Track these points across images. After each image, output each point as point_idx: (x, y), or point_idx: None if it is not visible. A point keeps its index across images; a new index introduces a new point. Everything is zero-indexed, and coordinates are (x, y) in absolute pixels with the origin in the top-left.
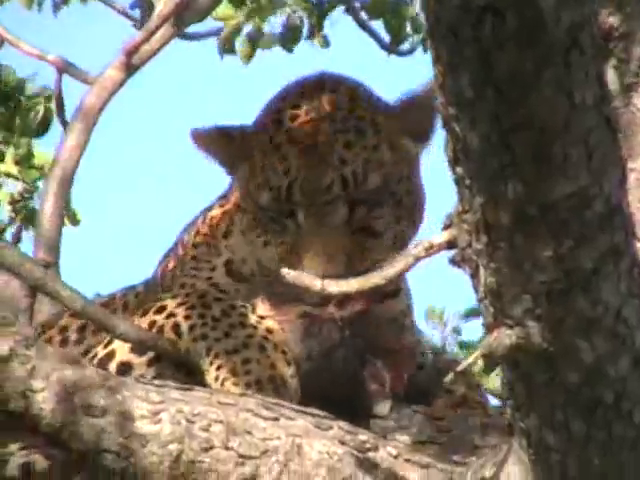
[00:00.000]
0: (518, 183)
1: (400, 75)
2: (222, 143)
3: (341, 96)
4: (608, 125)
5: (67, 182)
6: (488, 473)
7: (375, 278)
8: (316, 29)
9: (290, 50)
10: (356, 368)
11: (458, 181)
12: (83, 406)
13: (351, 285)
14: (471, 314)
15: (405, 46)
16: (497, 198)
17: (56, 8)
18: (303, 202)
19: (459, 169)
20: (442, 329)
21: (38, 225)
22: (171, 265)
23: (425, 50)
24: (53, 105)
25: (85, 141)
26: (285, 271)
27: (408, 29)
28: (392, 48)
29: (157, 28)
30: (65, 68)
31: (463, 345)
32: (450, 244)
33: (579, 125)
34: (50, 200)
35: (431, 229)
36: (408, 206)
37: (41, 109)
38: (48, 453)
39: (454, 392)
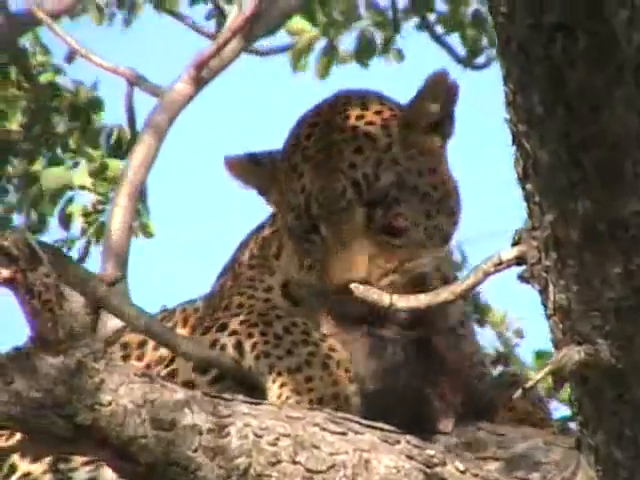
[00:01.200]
0: (588, 200)
1: (476, 89)
2: (253, 170)
3: (352, 107)
4: None
5: (136, 194)
6: None
7: (444, 294)
8: (389, 43)
9: (365, 65)
10: (420, 387)
11: (528, 198)
12: (151, 419)
13: (420, 301)
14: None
15: (481, 59)
16: (567, 215)
17: (126, 23)
18: (322, 214)
19: (529, 186)
20: (504, 332)
21: (106, 238)
22: (229, 283)
23: None
24: (124, 121)
25: (154, 154)
26: (354, 286)
27: (484, 42)
28: (468, 61)
29: (227, 42)
30: (136, 81)
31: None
32: (519, 260)
33: None
34: (119, 213)
35: (501, 245)
36: (436, 199)
37: (115, 131)
38: (117, 466)
39: (517, 408)
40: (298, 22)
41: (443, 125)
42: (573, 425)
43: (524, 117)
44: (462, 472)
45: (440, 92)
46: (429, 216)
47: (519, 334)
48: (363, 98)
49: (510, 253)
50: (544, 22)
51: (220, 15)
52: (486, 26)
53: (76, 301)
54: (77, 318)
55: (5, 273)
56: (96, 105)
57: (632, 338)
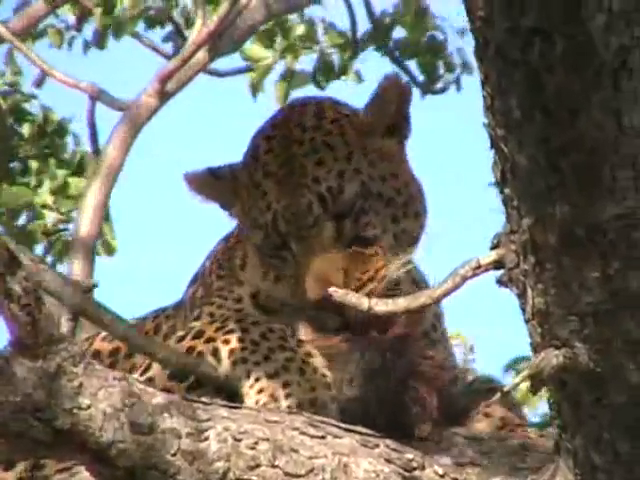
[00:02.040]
0: (566, 204)
1: (435, 113)
2: (214, 185)
3: (308, 116)
4: None
5: (101, 209)
6: None
7: (422, 298)
8: (348, 66)
9: (322, 88)
10: (398, 392)
11: (506, 202)
12: (130, 423)
13: (399, 305)
14: (515, 364)
15: (439, 85)
16: (545, 219)
17: (86, 48)
18: (290, 231)
19: (507, 190)
20: (462, 349)
21: (72, 251)
22: (199, 293)
23: (458, 89)
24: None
25: (119, 167)
26: (332, 290)
27: (441, 70)
28: (426, 87)
29: (191, 55)
30: (98, 95)
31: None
32: (497, 264)
33: (627, 148)
34: (85, 227)
35: (479, 249)
36: (401, 203)
37: (78, 153)
38: (95, 470)
39: (493, 414)
40: (254, 49)
41: (399, 127)
42: (549, 430)
43: (502, 121)
44: (441, 476)
45: (393, 95)
46: (396, 221)
47: (471, 350)
48: (318, 106)
49: (488, 257)
50: (521, 26)
51: (178, 36)
52: (442, 53)
53: (54, 306)
54: (55, 323)
55: None
56: (63, 131)
57: (610, 342)
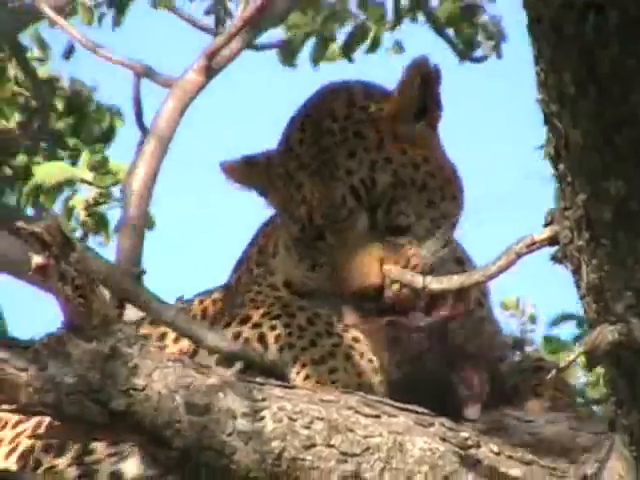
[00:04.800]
0: (620, 179)
1: (475, 81)
2: (250, 172)
3: (338, 105)
4: None
5: (149, 185)
6: (590, 470)
7: (476, 275)
8: (380, 38)
9: (350, 59)
10: (445, 374)
11: (560, 178)
12: (185, 404)
13: (453, 282)
14: (561, 320)
15: (478, 53)
16: (599, 194)
17: (116, 23)
18: (325, 223)
19: (561, 166)
20: (519, 318)
21: (121, 231)
22: (243, 279)
23: (499, 56)
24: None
25: (166, 145)
26: (387, 268)
27: (480, 37)
28: (465, 54)
29: (238, 31)
30: (144, 72)
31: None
32: (552, 241)
33: None
34: (134, 202)
35: (534, 226)
36: (436, 187)
37: (107, 120)
38: (150, 451)
39: (543, 393)
40: (294, 17)
41: (430, 110)
42: (599, 410)
43: (556, 97)
44: (497, 454)
45: (422, 78)
46: (432, 205)
47: (533, 320)
48: (348, 92)
49: (543, 234)
50: (576, 0)
51: (220, 9)
52: (478, 21)
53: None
54: (109, 305)
55: (38, 260)
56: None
57: None
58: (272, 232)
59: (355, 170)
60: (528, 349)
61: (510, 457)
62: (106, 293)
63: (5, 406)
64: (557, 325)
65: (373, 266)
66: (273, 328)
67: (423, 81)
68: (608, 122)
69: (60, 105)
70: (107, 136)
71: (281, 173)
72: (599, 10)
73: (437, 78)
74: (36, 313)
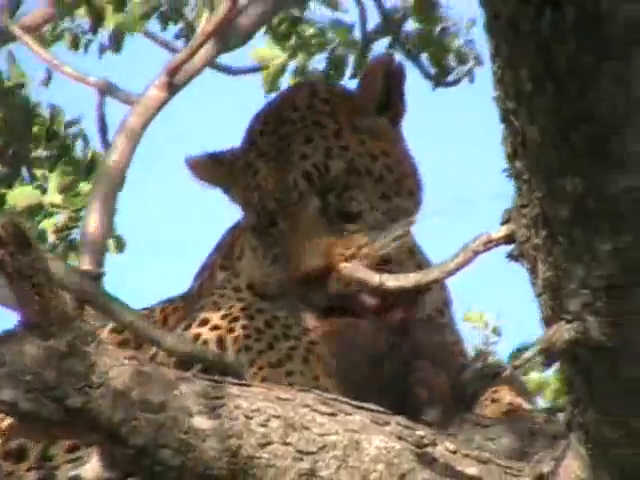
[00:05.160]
0: (577, 177)
1: (448, 105)
2: (214, 169)
3: (300, 97)
4: None
5: (112, 199)
6: (547, 468)
7: (434, 273)
8: (362, 62)
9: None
10: (403, 376)
11: (517, 175)
12: (142, 402)
13: (409, 279)
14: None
15: (451, 77)
16: (556, 192)
17: (101, 51)
18: (277, 208)
19: (518, 163)
20: (483, 330)
21: (82, 246)
22: (205, 284)
23: (471, 81)
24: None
25: (129, 159)
26: (342, 266)
27: (452, 62)
28: (438, 80)
29: (199, 47)
30: (107, 89)
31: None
32: (509, 238)
33: (638, 120)
34: (95, 215)
35: (490, 223)
36: (392, 181)
37: (89, 153)
38: (107, 450)
39: (502, 399)
40: (265, 50)
41: (393, 106)
42: (558, 415)
43: (513, 94)
44: (453, 452)
45: (382, 73)
46: (386, 198)
47: (497, 332)
48: (311, 87)
49: (500, 232)
50: None
51: (190, 33)
52: (453, 45)
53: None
54: (66, 302)
55: None
56: (72, 134)
57: (622, 315)
58: (238, 236)
59: (309, 155)
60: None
61: (466, 455)
62: (66, 294)
63: None
64: (518, 357)
65: (321, 249)
66: (231, 330)
67: (387, 77)
68: (565, 119)
69: (39, 132)
70: (89, 169)
71: (242, 165)
72: (556, 6)
73: (401, 76)
74: None
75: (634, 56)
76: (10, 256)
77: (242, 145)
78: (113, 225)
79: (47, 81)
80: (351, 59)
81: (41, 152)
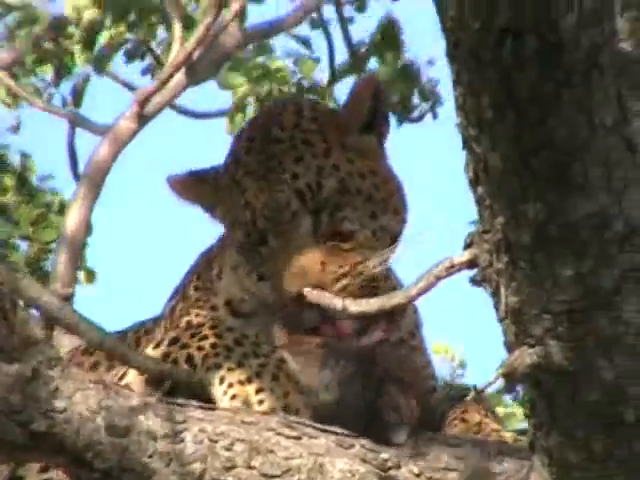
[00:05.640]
0: (539, 203)
1: (412, 141)
2: (196, 188)
3: (287, 116)
4: (628, 146)
5: (81, 231)
6: None
7: (397, 298)
8: (326, 94)
9: None
10: (373, 397)
11: (479, 201)
12: (107, 426)
13: (372, 305)
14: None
15: (415, 113)
16: (518, 218)
17: (64, 104)
18: (268, 226)
19: (480, 189)
20: (450, 362)
21: (53, 279)
22: (179, 305)
23: (434, 117)
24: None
25: (98, 190)
26: (307, 291)
27: (416, 99)
28: (403, 116)
29: (169, 77)
30: (77, 121)
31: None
32: (471, 263)
33: (599, 146)
34: (62, 254)
35: (452, 249)
36: (380, 199)
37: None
38: (72, 472)
39: (469, 419)
40: (230, 76)
41: (377, 125)
42: (524, 436)
43: (474, 121)
44: (417, 475)
45: (368, 92)
46: (374, 217)
47: (462, 365)
48: (297, 106)
49: (462, 257)
50: (493, 25)
51: (157, 68)
52: (416, 82)
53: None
54: (31, 326)
55: None
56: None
57: (583, 340)
58: (216, 258)
59: (301, 174)
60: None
61: (430, 478)
62: (33, 315)
63: None
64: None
65: (313, 268)
66: (200, 349)
67: (373, 96)
68: (526, 146)
69: (9, 181)
70: (60, 211)
71: (227, 183)
72: (516, 35)
73: (383, 93)
74: None
75: (594, 82)
76: None
77: (226, 163)
78: (84, 257)
79: (17, 128)
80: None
81: (10, 197)
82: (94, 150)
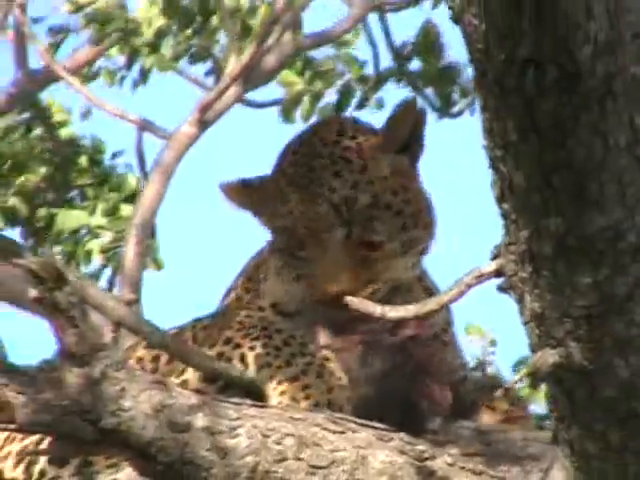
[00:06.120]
0: (559, 217)
1: (451, 135)
2: (246, 194)
3: (329, 133)
4: None
5: (147, 228)
6: (535, 478)
7: (430, 304)
8: (369, 95)
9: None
10: (408, 389)
11: (505, 216)
12: (168, 423)
13: (408, 311)
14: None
15: (455, 109)
16: (540, 231)
17: (135, 85)
18: (307, 235)
19: (505, 205)
20: (481, 341)
21: (121, 268)
22: (232, 305)
23: (472, 113)
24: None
25: (163, 191)
26: (348, 299)
27: (456, 96)
28: (443, 111)
29: (227, 87)
30: (145, 126)
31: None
32: (498, 273)
33: (613, 165)
34: (132, 244)
35: (481, 259)
36: (410, 213)
37: (132, 180)
38: (138, 465)
39: (498, 408)
40: (287, 74)
41: (412, 147)
42: (549, 422)
43: (500, 143)
44: (450, 465)
45: (408, 117)
46: (405, 229)
47: (493, 343)
48: (340, 124)
49: (490, 266)
50: (516, 57)
51: (218, 71)
52: (457, 80)
53: (97, 318)
54: (99, 333)
55: (34, 293)
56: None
57: (601, 342)
58: (262, 262)
59: (338, 188)
60: (489, 369)
61: (462, 468)
62: (100, 319)
63: (4, 426)
64: (517, 369)
65: (344, 274)
66: (252, 349)
67: (409, 120)
68: (548, 165)
69: (83, 161)
70: (131, 198)
71: (272, 191)
72: (538, 65)
73: (421, 119)
74: (33, 342)
75: (608, 107)
76: (48, 292)
77: (273, 173)
78: (153, 246)
79: (87, 114)
80: (359, 91)
81: (85, 180)
82: (159, 153)
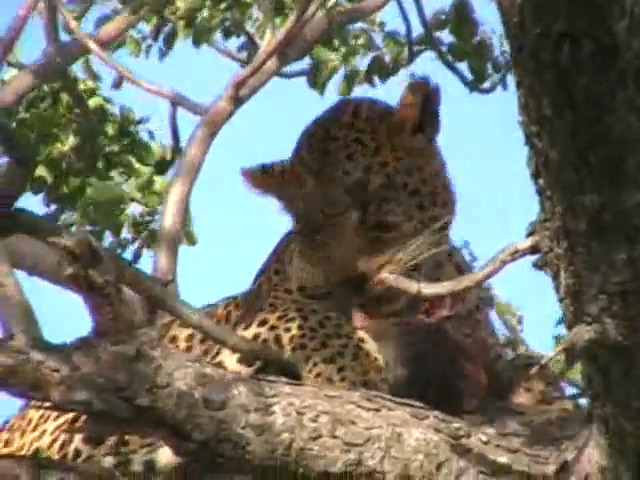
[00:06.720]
0: (594, 193)
1: (482, 110)
2: (266, 180)
3: (345, 115)
4: None
5: (183, 203)
6: (570, 456)
7: (465, 281)
8: (399, 64)
9: (374, 86)
10: (445, 370)
11: (540, 192)
12: (204, 400)
13: (444, 287)
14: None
15: (486, 84)
16: (575, 207)
17: (162, 55)
18: (322, 218)
19: (541, 181)
20: (510, 319)
21: (159, 241)
22: (264, 286)
23: (504, 88)
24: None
25: (198, 167)
26: (385, 276)
27: (489, 70)
28: (474, 86)
29: (261, 64)
30: (179, 101)
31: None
32: (533, 249)
33: None
34: (169, 218)
35: (517, 236)
36: (427, 192)
37: (159, 149)
38: (173, 443)
39: (534, 388)
40: (321, 51)
41: (428, 125)
42: (584, 402)
43: (535, 119)
44: (485, 443)
45: (422, 96)
46: (422, 208)
47: (520, 321)
48: (356, 106)
49: (525, 243)
50: (552, 31)
51: (252, 46)
52: (489, 55)
53: (133, 296)
54: (134, 311)
55: (70, 270)
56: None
57: (636, 318)
58: (289, 243)
59: (351, 171)
60: (521, 347)
61: (498, 446)
62: (135, 297)
63: (40, 403)
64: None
65: (359, 256)
66: (288, 330)
67: (424, 99)
68: (583, 141)
69: (111, 130)
70: (161, 169)
71: (291, 175)
72: (573, 40)
73: (436, 97)
74: (69, 319)
75: None
76: (83, 270)
77: (291, 157)
78: (187, 221)
79: (119, 83)
80: (390, 61)
81: (114, 147)
82: (194, 129)
